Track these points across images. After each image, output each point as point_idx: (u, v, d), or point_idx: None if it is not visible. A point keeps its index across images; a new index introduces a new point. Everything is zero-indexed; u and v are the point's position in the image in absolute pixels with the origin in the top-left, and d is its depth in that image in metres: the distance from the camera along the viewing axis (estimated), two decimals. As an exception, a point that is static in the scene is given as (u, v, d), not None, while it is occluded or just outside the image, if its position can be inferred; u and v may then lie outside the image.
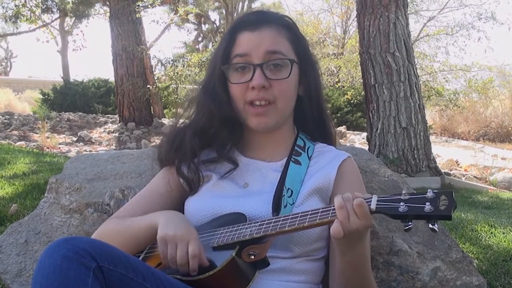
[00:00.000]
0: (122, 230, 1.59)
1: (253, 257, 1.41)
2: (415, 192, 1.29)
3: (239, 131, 1.67)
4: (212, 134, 1.65)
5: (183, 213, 1.66)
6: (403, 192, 1.27)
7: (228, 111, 1.61)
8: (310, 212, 1.36)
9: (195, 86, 1.80)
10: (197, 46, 26.20)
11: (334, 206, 1.31)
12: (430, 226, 1.21)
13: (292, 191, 1.56)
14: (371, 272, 1.53)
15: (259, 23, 1.61)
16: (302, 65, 1.66)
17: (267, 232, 1.40)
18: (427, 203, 1.22)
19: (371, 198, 1.30)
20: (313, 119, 1.73)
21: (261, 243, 1.42)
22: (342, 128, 13.28)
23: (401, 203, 1.25)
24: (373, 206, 1.28)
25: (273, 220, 1.41)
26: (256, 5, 25.82)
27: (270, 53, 1.58)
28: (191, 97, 1.77)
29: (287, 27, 1.65)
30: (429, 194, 1.23)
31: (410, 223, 1.24)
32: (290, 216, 1.39)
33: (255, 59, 1.57)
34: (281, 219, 1.40)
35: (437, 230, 1.21)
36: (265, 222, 1.42)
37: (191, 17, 22.27)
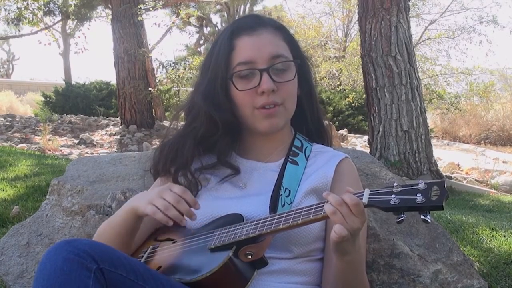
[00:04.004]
0: (113, 224, 1.62)
1: (250, 256, 1.42)
2: (407, 184, 1.28)
3: (239, 136, 1.67)
4: (214, 141, 1.65)
5: None
6: (395, 184, 1.27)
7: (231, 118, 1.61)
8: (304, 209, 1.37)
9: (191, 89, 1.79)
10: (198, 49, 26.23)
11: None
12: (422, 217, 1.21)
13: (289, 191, 1.57)
14: (364, 271, 1.54)
15: (255, 26, 1.61)
16: (300, 67, 1.66)
17: (262, 231, 1.40)
18: (419, 194, 1.21)
19: (363, 192, 1.30)
20: (311, 118, 1.74)
21: (257, 242, 1.43)
22: (344, 131, 13.27)
23: (393, 196, 1.24)
24: (365, 200, 1.28)
25: (268, 219, 1.42)
26: (257, 8, 25.86)
27: (274, 57, 1.58)
28: (184, 104, 1.76)
29: (280, 28, 1.66)
30: (421, 185, 1.23)
31: (402, 215, 1.24)
32: (285, 214, 1.40)
33: (259, 64, 1.56)
34: (276, 217, 1.41)
35: (430, 221, 1.21)
36: (261, 221, 1.43)
37: (192, 20, 22.31)
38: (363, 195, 1.29)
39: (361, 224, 1.30)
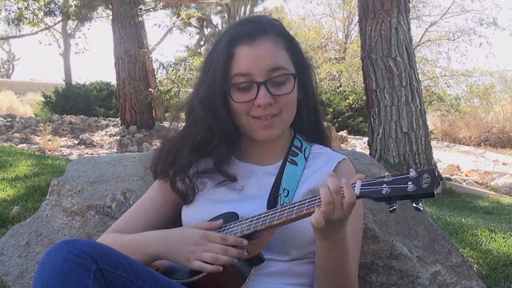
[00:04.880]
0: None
1: (246, 254, 1.42)
2: (398, 173, 1.29)
3: (237, 142, 1.66)
4: (211, 149, 1.64)
5: (181, 223, 1.67)
6: (386, 174, 1.28)
7: (228, 126, 1.61)
8: (297, 204, 1.38)
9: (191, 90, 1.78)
10: (199, 50, 26.26)
11: (320, 196, 1.32)
12: (414, 205, 1.22)
13: (288, 191, 1.57)
14: (352, 268, 1.52)
15: (256, 35, 1.58)
16: (300, 72, 1.65)
17: (257, 228, 1.41)
18: (410, 183, 1.23)
19: (355, 183, 1.31)
20: (309, 120, 1.73)
21: (253, 239, 1.43)
22: (344, 133, 13.27)
23: (384, 185, 1.26)
24: (357, 191, 1.29)
25: (262, 215, 1.43)
26: (258, 9, 25.87)
27: (273, 70, 1.56)
28: (183, 105, 1.75)
29: (281, 34, 1.63)
30: (412, 173, 1.24)
31: (394, 205, 1.25)
32: (279, 210, 1.41)
33: (257, 77, 1.55)
34: (270, 213, 1.42)
35: (421, 209, 1.22)
36: (255, 218, 1.44)
37: (193, 21, 22.31)
38: (355, 186, 1.30)
39: (344, 218, 1.31)
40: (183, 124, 1.73)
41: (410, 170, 1.25)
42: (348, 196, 1.29)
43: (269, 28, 1.61)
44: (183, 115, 1.75)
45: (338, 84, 18.56)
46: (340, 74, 18.41)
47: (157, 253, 1.51)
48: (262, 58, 1.56)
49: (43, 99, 16.94)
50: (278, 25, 1.66)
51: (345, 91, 17.42)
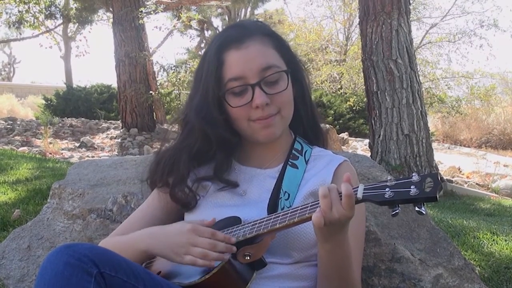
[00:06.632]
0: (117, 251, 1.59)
1: (248, 258, 1.42)
2: (401, 177, 1.29)
3: (236, 147, 1.65)
4: (209, 156, 1.64)
5: None
6: (389, 178, 1.28)
7: (225, 134, 1.60)
8: (300, 208, 1.37)
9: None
10: (199, 52, 26.24)
11: None
12: (417, 209, 1.21)
13: (289, 194, 1.56)
14: (355, 271, 1.51)
15: (243, 38, 1.58)
16: (292, 69, 1.64)
17: (259, 231, 1.41)
18: (412, 187, 1.22)
19: (357, 187, 1.30)
20: (307, 119, 1.73)
21: (255, 243, 1.43)
22: (344, 135, 13.26)
23: (387, 189, 1.25)
24: (359, 195, 1.28)
25: (265, 219, 1.43)
26: (258, 12, 25.88)
27: (265, 69, 1.55)
28: (179, 114, 1.74)
29: (268, 35, 1.63)
30: (415, 177, 1.24)
31: (396, 208, 1.24)
32: (281, 213, 1.40)
33: (250, 79, 1.55)
34: (273, 217, 1.41)
35: (424, 213, 1.21)
36: (257, 221, 1.44)
37: (194, 23, 22.31)
38: (357, 190, 1.30)
39: (344, 218, 1.29)
40: (179, 134, 1.71)
41: (413, 174, 1.25)
42: (345, 190, 1.28)
43: (254, 30, 1.61)
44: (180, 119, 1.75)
45: (339, 86, 18.58)
46: (341, 76, 18.43)
47: (147, 248, 1.50)
48: (252, 60, 1.56)
49: (44, 102, 16.98)
50: (264, 26, 1.67)
51: (346, 93, 17.44)
